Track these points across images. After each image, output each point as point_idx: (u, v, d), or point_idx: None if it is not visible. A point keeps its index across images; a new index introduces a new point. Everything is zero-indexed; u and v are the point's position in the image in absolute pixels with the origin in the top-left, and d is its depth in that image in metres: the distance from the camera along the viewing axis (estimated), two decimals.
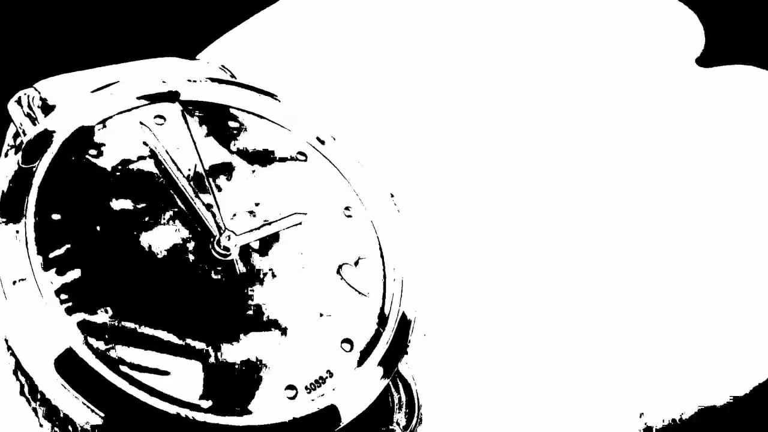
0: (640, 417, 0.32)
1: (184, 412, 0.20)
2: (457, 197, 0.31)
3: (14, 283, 0.21)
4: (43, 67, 0.42)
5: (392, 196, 0.26)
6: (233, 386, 0.21)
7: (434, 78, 0.33)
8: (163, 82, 0.25)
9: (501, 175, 0.32)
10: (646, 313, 0.32)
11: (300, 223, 0.24)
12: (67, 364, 0.20)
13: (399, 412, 0.23)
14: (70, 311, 0.21)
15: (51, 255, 0.21)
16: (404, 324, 0.23)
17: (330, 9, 0.34)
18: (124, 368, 0.20)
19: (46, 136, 0.23)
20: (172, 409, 0.20)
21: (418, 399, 0.24)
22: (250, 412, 0.21)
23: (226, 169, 0.24)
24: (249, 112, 0.26)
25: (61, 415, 0.21)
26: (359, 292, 0.24)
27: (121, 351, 0.21)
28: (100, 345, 0.21)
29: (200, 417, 0.20)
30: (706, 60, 0.42)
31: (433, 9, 0.35)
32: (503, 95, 0.34)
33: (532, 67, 0.35)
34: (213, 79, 0.26)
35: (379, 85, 0.33)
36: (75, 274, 0.21)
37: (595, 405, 0.31)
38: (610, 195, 0.33)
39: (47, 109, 0.24)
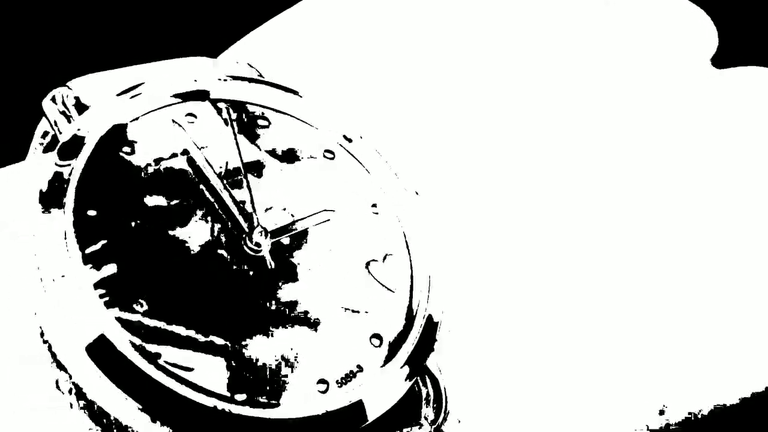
0: (660, 414, 0.32)
1: (221, 404, 0.20)
2: (476, 196, 0.31)
3: (54, 279, 0.21)
4: (72, 66, 0.43)
5: (417, 193, 0.26)
6: (266, 380, 0.21)
7: (455, 75, 0.33)
8: (195, 80, 0.25)
9: (517, 174, 0.32)
10: (663, 309, 0.32)
11: (328, 220, 0.24)
12: (105, 356, 0.21)
13: (427, 407, 0.23)
14: (108, 305, 0.21)
15: (88, 250, 0.22)
16: (431, 321, 0.24)
17: (351, 9, 0.34)
18: (161, 362, 0.21)
19: (81, 134, 0.23)
20: (209, 401, 0.20)
21: (445, 393, 0.24)
22: (282, 405, 0.21)
23: (256, 167, 0.24)
24: (277, 111, 0.26)
25: (96, 408, 0.21)
26: (387, 288, 0.24)
27: (157, 345, 0.21)
28: (137, 339, 0.21)
29: (236, 409, 0.21)
30: (719, 61, 0.42)
31: (454, 7, 0.35)
32: (519, 96, 0.34)
33: (547, 67, 0.35)
34: (242, 78, 0.26)
35: (399, 84, 0.33)
36: (111, 269, 0.22)
37: (616, 401, 0.31)
38: (625, 194, 0.33)
39: (81, 107, 0.24)
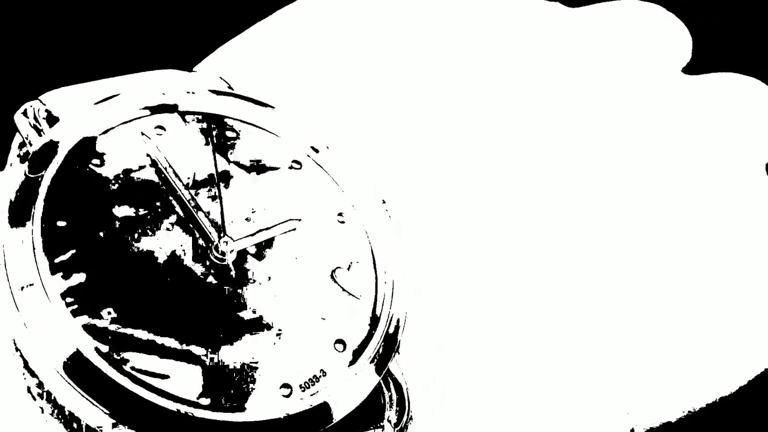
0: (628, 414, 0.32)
1: (184, 408, 0.21)
2: (455, 197, 0.31)
3: (22, 288, 0.22)
4: (44, 80, 0.43)
5: (384, 202, 0.27)
6: (230, 385, 0.22)
7: (427, 87, 0.34)
8: (163, 93, 0.26)
9: (492, 177, 0.32)
10: (644, 309, 0.32)
11: (295, 229, 0.25)
12: (74, 365, 0.21)
13: (390, 410, 0.24)
14: (75, 313, 0.21)
15: (57, 260, 0.22)
16: (395, 325, 0.24)
17: (325, 20, 0.34)
18: (126, 368, 0.21)
19: (51, 147, 0.24)
20: (173, 406, 0.21)
21: (408, 397, 0.25)
22: (246, 409, 0.22)
23: (224, 178, 0.25)
24: (245, 122, 0.27)
25: (66, 413, 0.22)
26: (352, 295, 0.24)
27: (123, 352, 0.22)
28: (104, 346, 0.22)
29: (199, 413, 0.21)
30: (694, 68, 0.42)
31: (429, 20, 0.35)
32: (496, 103, 0.34)
33: (524, 76, 0.35)
34: (211, 91, 0.27)
35: (377, 92, 0.33)
36: (80, 278, 0.22)
37: (586, 405, 0.31)
38: (599, 198, 0.33)
39: (52, 120, 0.25)
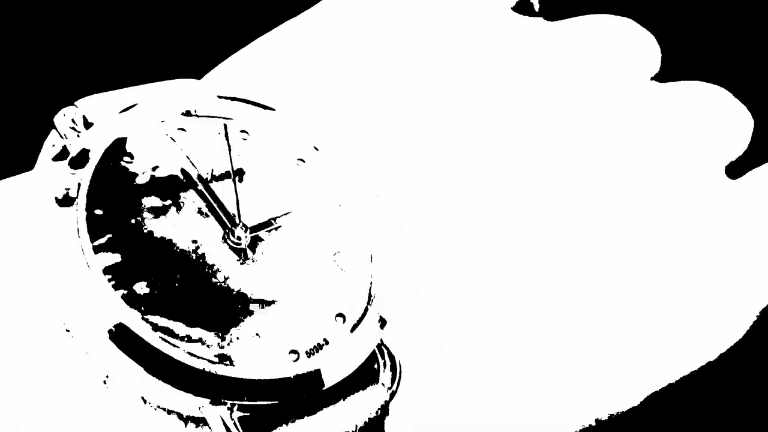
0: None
1: (209, 367, 0.24)
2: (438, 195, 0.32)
3: (71, 269, 0.25)
4: (49, 88, 0.44)
5: (378, 196, 0.30)
6: (245, 351, 0.25)
7: (425, 93, 0.34)
8: (183, 100, 0.29)
9: (488, 179, 0.33)
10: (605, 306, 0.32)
11: (301, 219, 0.28)
12: (119, 333, 0.24)
13: (384, 372, 0.27)
14: (115, 288, 0.25)
15: (96, 243, 0.25)
16: (381, 302, 0.27)
17: (327, 30, 0.35)
18: (158, 333, 0.24)
19: (89, 147, 0.27)
20: (199, 364, 0.24)
21: (400, 365, 0.27)
22: (260, 368, 0.25)
23: (238, 173, 0.28)
24: (253, 124, 0.29)
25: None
26: (350, 276, 0.27)
27: (154, 318, 0.25)
28: (138, 313, 0.25)
29: (221, 371, 0.24)
30: (662, 77, 0.42)
31: (427, 29, 0.36)
32: (488, 108, 0.35)
33: (514, 82, 0.36)
34: (222, 97, 0.30)
35: (379, 95, 0.34)
36: (116, 258, 0.25)
37: (585, 403, 0.32)
38: (585, 200, 0.34)
39: (87, 123, 0.27)
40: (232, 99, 0.30)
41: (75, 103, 0.28)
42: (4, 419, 0.25)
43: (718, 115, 0.37)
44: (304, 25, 0.35)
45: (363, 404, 0.26)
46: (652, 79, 0.38)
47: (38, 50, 0.46)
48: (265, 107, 0.30)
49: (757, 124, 0.41)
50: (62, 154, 0.28)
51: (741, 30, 0.50)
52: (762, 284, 0.34)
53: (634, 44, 0.38)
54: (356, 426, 0.25)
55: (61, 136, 0.27)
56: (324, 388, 0.25)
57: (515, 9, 0.38)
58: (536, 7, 0.38)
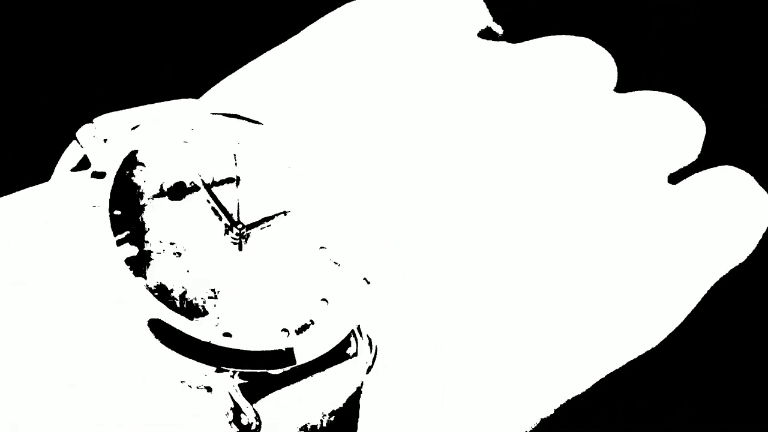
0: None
1: (214, 340, 0.27)
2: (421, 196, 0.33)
3: (101, 261, 0.28)
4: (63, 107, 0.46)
5: (360, 196, 0.32)
6: (244, 329, 0.28)
7: (421, 98, 0.35)
8: (186, 116, 0.32)
9: (485, 182, 0.34)
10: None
11: (296, 216, 0.31)
12: (156, 323, 0.27)
13: (362, 347, 0.29)
14: (135, 275, 0.28)
15: (117, 238, 0.29)
16: (365, 288, 0.30)
17: (323, 55, 0.36)
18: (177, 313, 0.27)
19: (108, 158, 0.30)
20: (205, 337, 0.27)
21: (376, 347, 0.30)
22: (257, 343, 0.28)
23: (236, 180, 0.31)
24: (248, 137, 0.32)
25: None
26: (336, 263, 0.30)
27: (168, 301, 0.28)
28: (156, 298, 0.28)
29: (222, 343, 0.27)
30: (620, 89, 0.44)
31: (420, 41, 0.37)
32: (458, 131, 0.35)
33: (476, 101, 0.36)
34: (221, 113, 0.32)
35: (378, 98, 0.35)
36: (133, 251, 0.29)
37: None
38: (554, 202, 0.35)
39: (104, 139, 0.30)
40: (225, 115, 0.32)
41: (94, 120, 0.31)
42: (4, 419, 0.26)
43: (672, 122, 0.38)
44: (299, 46, 0.36)
45: (343, 374, 0.29)
46: (612, 90, 0.39)
47: (39, 71, 0.48)
48: (255, 122, 0.32)
49: (709, 130, 0.42)
50: (81, 165, 0.31)
51: (689, 41, 0.53)
52: (695, 283, 0.35)
53: (592, 60, 0.39)
54: (336, 390, 0.29)
55: (81, 148, 0.30)
56: (309, 360, 0.28)
57: (480, 35, 0.39)
58: (500, 33, 0.39)
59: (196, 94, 0.42)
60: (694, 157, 0.39)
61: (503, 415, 0.31)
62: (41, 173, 0.39)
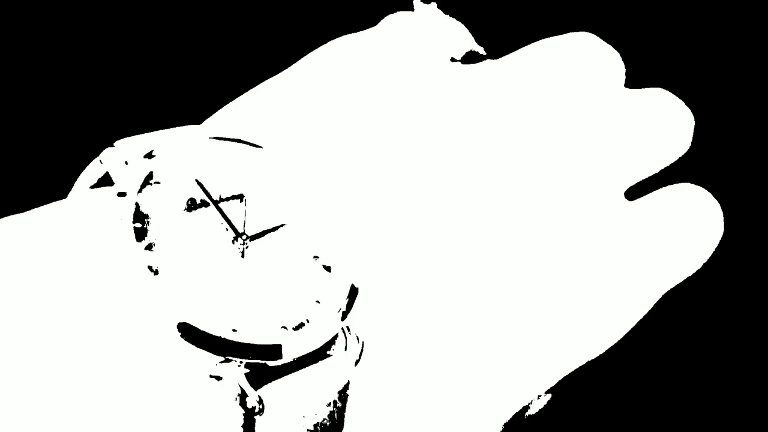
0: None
1: (223, 334, 0.29)
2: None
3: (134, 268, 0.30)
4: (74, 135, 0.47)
5: (346, 208, 0.34)
6: (247, 325, 0.29)
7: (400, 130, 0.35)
8: (192, 141, 0.34)
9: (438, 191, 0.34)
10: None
11: (292, 229, 0.32)
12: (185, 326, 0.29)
13: (350, 342, 0.32)
14: (156, 278, 0.29)
15: (140, 246, 0.31)
16: (353, 291, 0.32)
17: (323, 82, 0.37)
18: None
19: (130, 178, 0.32)
20: (216, 332, 0.30)
21: (363, 343, 0.32)
22: (259, 338, 0.29)
23: (240, 197, 0.33)
24: (250, 159, 0.33)
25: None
26: (327, 269, 0.32)
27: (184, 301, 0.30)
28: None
29: (230, 336, 0.29)
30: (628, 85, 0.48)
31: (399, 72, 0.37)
32: (460, 130, 0.36)
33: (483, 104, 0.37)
34: (220, 138, 0.34)
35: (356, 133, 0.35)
36: (154, 257, 0.31)
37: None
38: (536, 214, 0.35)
39: (125, 161, 0.32)
40: (229, 139, 0.35)
41: (114, 143, 0.34)
42: (4, 419, 0.26)
43: (664, 118, 0.39)
44: (294, 76, 0.37)
45: (333, 366, 0.31)
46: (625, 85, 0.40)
47: (40, 98, 0.48)
48: (255, 145, 0.34)
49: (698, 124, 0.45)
50: (101, 183, 0.34)
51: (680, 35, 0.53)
52: (647, 291, 0.36)
53: (600, 59, 0.39)
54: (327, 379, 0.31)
55: (105, 168, 0.33)
56: (303, 354, 0.31)
57: (464, 60, 0.39)
58: (482, 53, 0.40)
59: (197, 120, 0.46)
60: (684, 151, 0.39)
61: (460, 419, 0.32)
62: (49, 192, 0.44)
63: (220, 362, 0.29)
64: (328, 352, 0.31)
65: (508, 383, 0.33)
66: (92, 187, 0.33)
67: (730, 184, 0.49)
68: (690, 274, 0.38)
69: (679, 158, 0.40)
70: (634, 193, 0.40)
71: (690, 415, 0.44)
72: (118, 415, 0.27)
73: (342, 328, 0.31)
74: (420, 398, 0.32)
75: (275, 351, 0.30)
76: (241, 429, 0.30)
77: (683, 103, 0.40)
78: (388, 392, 0.31)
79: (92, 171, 0.33)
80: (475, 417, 0.32)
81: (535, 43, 0.40)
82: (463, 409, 0.32)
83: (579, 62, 0.39)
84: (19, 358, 0.27)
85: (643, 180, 0.39)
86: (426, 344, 0.32)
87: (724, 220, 0.43)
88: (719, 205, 0.39)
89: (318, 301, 0.31)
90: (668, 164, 0.39)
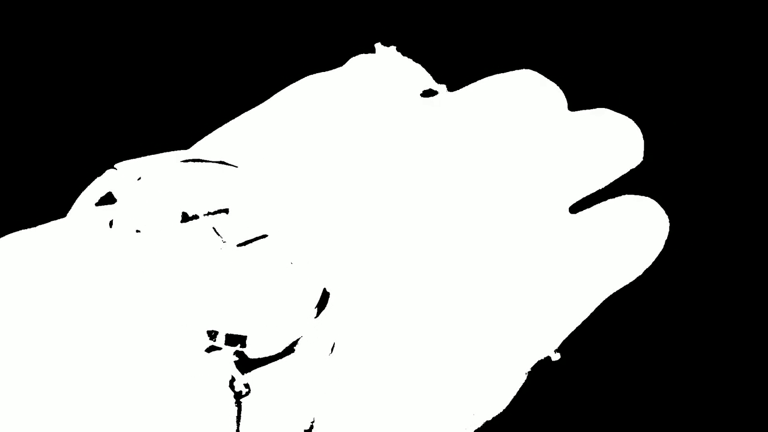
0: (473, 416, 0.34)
1: (217, 328, 0.31)
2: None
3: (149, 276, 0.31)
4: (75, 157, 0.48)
5: (324, 222, 0.35)
6: (236, 321, 0.31)
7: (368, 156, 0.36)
8: (182, 163, 0.35)
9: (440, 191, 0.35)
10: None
11: (273, 239, 0.33)
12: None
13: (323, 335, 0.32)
14: (159, 277, 0.31)
15: (144, 253, 0.32)
16: (325, 295, 0.33)
17: (296, 115, 0.38)
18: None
19: (131, 196, 0.34)
20: (206, 344, 0.31)
21: (335, 339, 0.33)
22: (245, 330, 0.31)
23: (226, 210, 0.34)
24: (233, 179, 0.35)
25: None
26: (306, 275, 0.33)
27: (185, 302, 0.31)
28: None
29: (222, 329, 0.31)
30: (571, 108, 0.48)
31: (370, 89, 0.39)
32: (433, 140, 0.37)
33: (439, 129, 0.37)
34: (208, 160, 0.35)
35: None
36: (156, 261, 0.32)
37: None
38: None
39: (126, 182, 0.33)
40: (215, 161, 0.35)
41: (115, 165, 0.34)
42: (4, 419, 0.26)
43: (614, 135, 0.39)
44: (267, 111, 0.38)
45: (308, 358, 0.32)
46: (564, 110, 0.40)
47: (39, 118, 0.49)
48: (235, 166, 0.35)
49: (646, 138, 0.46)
50: (103, 201, 0.34)
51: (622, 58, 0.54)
52: (589, 295, 0.37)
53: (539, 92, 0.40)
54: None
55: (109, 188, 0.35)
56: (285, 346, 0.32)
57: (423, 95, 0.40)
58: (438, 90, 0.40)
59: (185, 146, 0.47)
60: (636, 163, 0.40)
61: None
62: (50, 211, 0.46)
63: (207, 349, 0.31)
64: (303, 346, 0.32)
65: (473, 384, 0.34)
66: (98, 204, 0.33)
67: (692, 193, 0.49)
68: (630, 281, 0.38)
69: (640, 169, 0.41)
70: (594, 203, 0.40)
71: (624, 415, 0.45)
72: (115, 414, 0.27)
73: (316, 325, 0.32)
74: (391, 398, 0.32)
75: (258, 344, 0.31)
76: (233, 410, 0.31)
77: (627, 118, 0.40)
78: (365, 392, 0.32)
79: (93, 191, 0.33)
80: (448, 415, 0.33)
81: (484, 78, 0.41)
82: (438, 406, 0.33)
83: (523, 93, 0.40)
84: (20, 374, 0.27)
85: (600, 190, 0.40)
86: (395, 344, 0.33)
87: (684, 229, 0.45)
88: (665, 213, 0.39)
89: (292, 302, 0.32)
90: (617, 177, 0.40)
